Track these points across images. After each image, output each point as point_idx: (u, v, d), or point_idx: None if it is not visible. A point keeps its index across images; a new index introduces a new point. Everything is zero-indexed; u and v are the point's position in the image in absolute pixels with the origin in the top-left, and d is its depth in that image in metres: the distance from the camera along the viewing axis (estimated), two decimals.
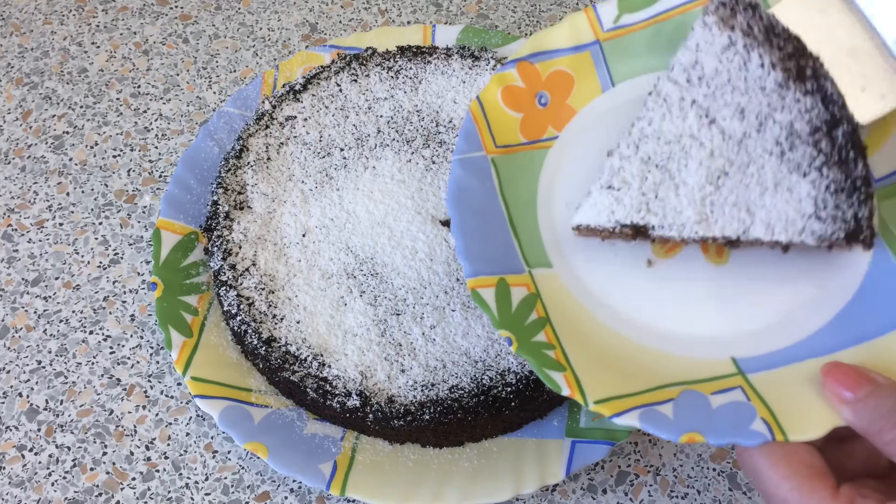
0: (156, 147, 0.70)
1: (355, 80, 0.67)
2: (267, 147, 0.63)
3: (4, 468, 0.55)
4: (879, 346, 0.44)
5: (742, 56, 0.47)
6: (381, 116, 0.65)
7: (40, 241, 0.65)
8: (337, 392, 0.53)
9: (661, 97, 0.49)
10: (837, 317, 0.47)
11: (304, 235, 0.59)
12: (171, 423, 0.57)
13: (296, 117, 0.65)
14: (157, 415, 0.57)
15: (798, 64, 0.47)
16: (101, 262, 0.64)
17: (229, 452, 0.56)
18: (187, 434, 0.57)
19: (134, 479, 0.55)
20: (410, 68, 0.67)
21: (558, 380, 0.43)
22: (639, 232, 0.48)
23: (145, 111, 0.72)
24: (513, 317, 0.46)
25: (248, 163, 0.62)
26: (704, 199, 0.47)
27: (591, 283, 0.50)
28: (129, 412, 0.57)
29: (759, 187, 0.46)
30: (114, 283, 0.63)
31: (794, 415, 0.41)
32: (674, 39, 0.53)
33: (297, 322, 0.56)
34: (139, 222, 0.66)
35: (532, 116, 0.55)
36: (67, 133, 0.71)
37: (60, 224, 0.66)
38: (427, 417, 0.52)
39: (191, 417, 0.57)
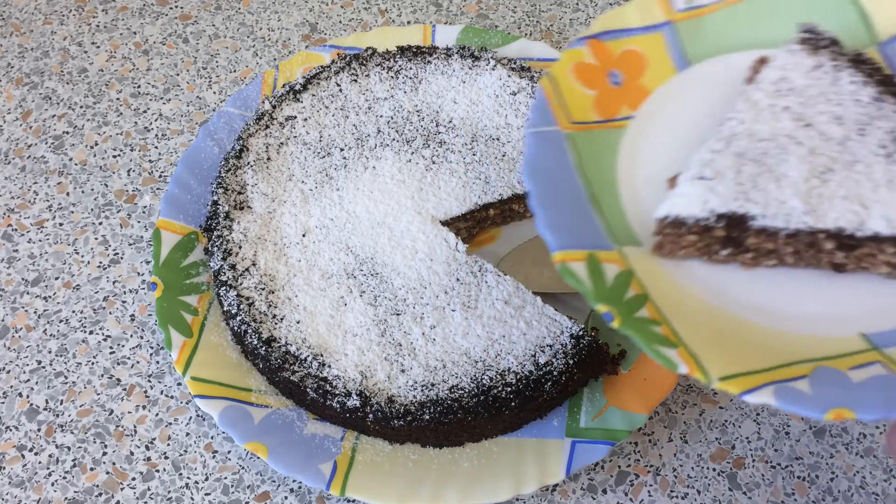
0: (156, 147, 0.70)
1: (355, 80, 0.67)
2: (267, 147, 0.63)
3: (4, 468, 0.55)
4: None
5: (832, 75, 0.49)
6: (381, 116, 0.65)
7: (40, 241, 0.65)
8: (337, 392, 0.53)
9: (749, 102, 0.49)
10: None
11: (304, 235, 0.59)
12: (171, 423, 0.57)
13: (296, 117, 0.65)
14: (157, 415, 0.57)
15: (892, 82, 0.48)
16: (101, 262, 0.64)
17: (229, 452, 0.56)
18: (187, 434, 0.57)
19: (134, 479, 0.55)
20: (410, 68, 0.67)
21: (672, 356, 0.41)
22: (734, 228, 0.46)
23: (145, 111, 0.72)
24: (609, 291, 0.44)
25: (248, 163, 0.62)
26: (811, 191, 0.45)
27: (691, 264, 0.48)
28: (129, 412, 0.57)
29: (871, 183, 0.45)
30: (114, 283, 0.63)
31: None
32: (751, 21, 0.54)
33: (297, 322, 0.56)
34: (139, 222, 0.66)
35: (606, 95, 0.54)
36: (67, 133, 0.71)
37: (60, 224, 0.66)
38: (427, 417, 0.52)
39: (191, 417, 0.57)
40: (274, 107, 0.65)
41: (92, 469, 0.55)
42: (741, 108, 0.49)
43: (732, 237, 0.46)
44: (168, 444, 0.56)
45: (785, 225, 0.45)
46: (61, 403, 0.58)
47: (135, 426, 0.57)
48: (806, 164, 0.46)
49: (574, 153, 0.50)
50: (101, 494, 0.54)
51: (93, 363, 0.59)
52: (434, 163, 0.62)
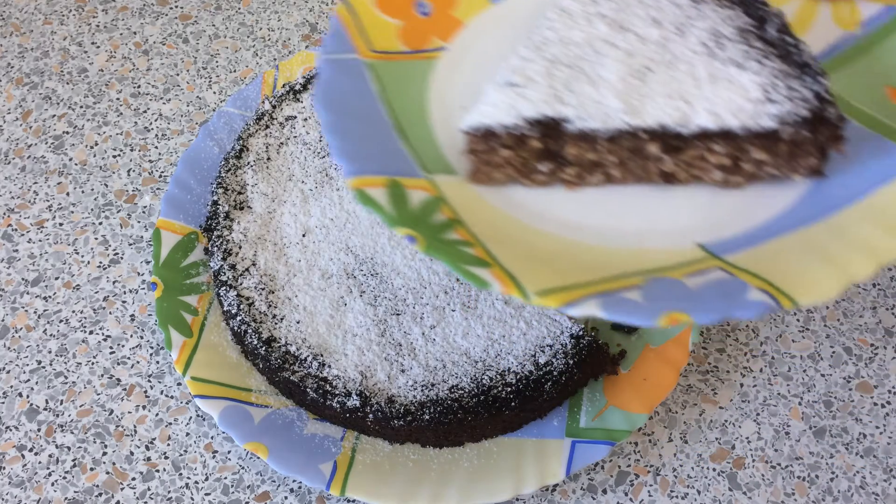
0: (156, 147, 0.70)
1: None
2: (267, 147, 0.63)
3: (4, 468, 0.55)
4: (865, 208, 0.42)
5: None
6: None
7: (40, 241, 0.65)
8: (337, 392, 0.53)
9: (561, 10, 0.46)
10: (809, 192, 0.45)
11: (304, 235, 0.59)
12: (171, 423, 0.57)
13: (296, 117, 0.65)
14: (157, 415, 0.57)
15: None
16: (101, 262, 0.64)
17: (229, 452, 0.56)
18: (187, 434, 0.57)
19: (134, 479, 0.55)
20: None
21: (484, 276, 0.38)
22: (550, 137, 0.43)
23: (145, 111, 0.72)
24: (413, 215, 0.40)
25: (248, 163, 0.62)
26: (629, 90, 0.43)
27: (512, 190, 0.45)
28: (129, 412, 0.57)
29: (693, 80, 0.43)
30: (114, 283, 0.63)
31: (796, 282, 0.38)
32: None
33: (297, 322, 0.56)
34: (139, 222, 0.66)
35: (413, 25, 0.51)
36: (67, 133, 0.71)
37: (60, 224, 0.66)
38: (427, 417, 0.52)
39: (191, 417, 0.57)
40: (274, 107, 0.65)
41: (92, 469, 0.55)
42: (552, 17, 0.46)
43: (550, 149, 0.44)
44: (168, 444, 0.56)
45: (603, 126, 0.42)
46: (61, 403, 0.58)
47: (135, 426, 0.57)
48: (623, 66, 0.44)
49: (376, 82, 0.47)
50: (101, 494, 0.54)
51: (93, 363, 0.59)
52: None
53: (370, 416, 0.52)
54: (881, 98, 0.48)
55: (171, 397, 0.58)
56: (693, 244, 0.43)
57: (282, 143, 0.64)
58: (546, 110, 0.42)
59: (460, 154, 0.46)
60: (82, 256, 0.64)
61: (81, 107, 0.72)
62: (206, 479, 0.55)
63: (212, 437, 0.56)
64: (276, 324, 0.56)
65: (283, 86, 0.67)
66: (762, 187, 0.45)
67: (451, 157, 0.46)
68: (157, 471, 0.55)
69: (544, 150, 0.43)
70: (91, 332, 0.61)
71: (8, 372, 0.59)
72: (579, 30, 0.46)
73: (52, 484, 0.55)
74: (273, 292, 0.57)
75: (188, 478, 0.55)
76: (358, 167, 0.42)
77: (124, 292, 0.62)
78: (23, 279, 0.63)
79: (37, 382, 0.59)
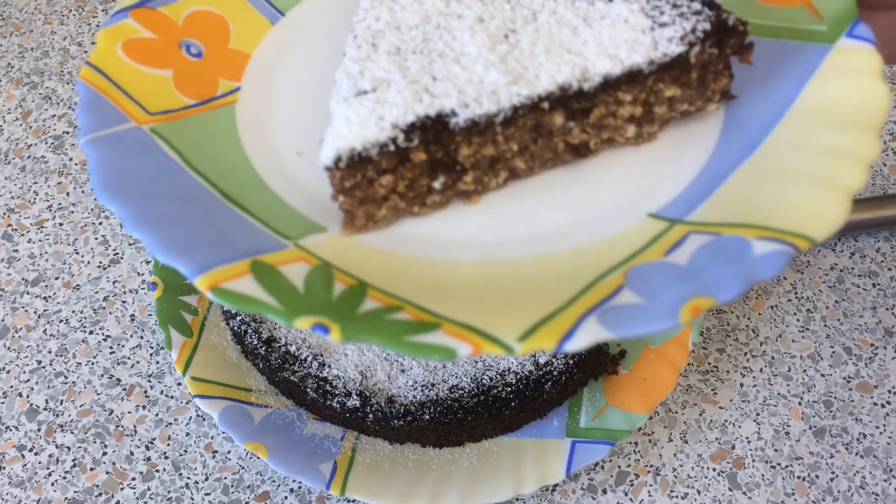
0: None
1: None
2: None
3: (4, 468, 0.55)
4: (801, 115, 0.38)
5: None
6: None
7: (40, 241, 0.65)
8: (337, 392, 0.53)
9: None
10: (727, 123, 0.40)
11: None
12: (171, 423, 0.57)
13: None
14: (157, 415, 0.57)
15: None
16: (101, 262, 0.64)
17: (229, 452, 0.56)
18: (187, 434, 0.57)
19: (134, 479, 0.55)
20: None
21: (440, 341, 0.29)
22: (435, 142, 0.35)
23: None
24: (307, 297, 0.31)
25: None
26: (504, 58, 0.37)
27: (402, 228, 0.37)
28: (129, 412, 0.57)
29: (567, 28, 0.38)
30: (114, 283, 0.63)
31: (792, 216, 0.32)
32: None
33: None
34: None
35: (187, 71, 0.43)
36: (67, 133, 0.71)
37: (60, 224, 0.66)
38: (427, 417, 0.52)
39: (191, 417, 0.57)
40: None
41: (92, 469, 0.55)
42: (368, 6, 0.40)
43: (438, 158, 0.36)
44: (168, 444, 0.56)
45: (495, 108, 0.35)
46: (61, 403, 0.58)
47: (135, 426, 0.57)
48: (481, 34, 0.38)
49: (170, 149, 0.39)
50: (101, 494, 0.54)
51: (93, 363, 0.59)
52: None
53: (370, 416, 0.52)
54: (748, 2, 0.43)
55: (171, 397, 0.58)
56: (644, 216, 0.36)
57: None
58: (422, 109, 0.35)
59: (320, 205, 0.38)
60: (82, 256, 0.64)
61: None
62: (206, 479, 0.55)
63: (212, 437, 0.56)
64: (275, 323, 0.56)
65: None
66: (677, 136, 0.40)
67: (309, 213, 0.38)
68: (157, 471, 0.55)
69: (431, 161, 0.36)
70: (91, 332, 0.61)
71: (8, 372, 0.59)
72: (408, 12, 0.39)
73: (52, 484, 0.55)
74: None
75: (188, 478, 0.55)
76: (203, 259, 0.32)
77: (124, 292, 0.62)
78: (23, 279, 0.63)
79: (37, 382, 0.59)
